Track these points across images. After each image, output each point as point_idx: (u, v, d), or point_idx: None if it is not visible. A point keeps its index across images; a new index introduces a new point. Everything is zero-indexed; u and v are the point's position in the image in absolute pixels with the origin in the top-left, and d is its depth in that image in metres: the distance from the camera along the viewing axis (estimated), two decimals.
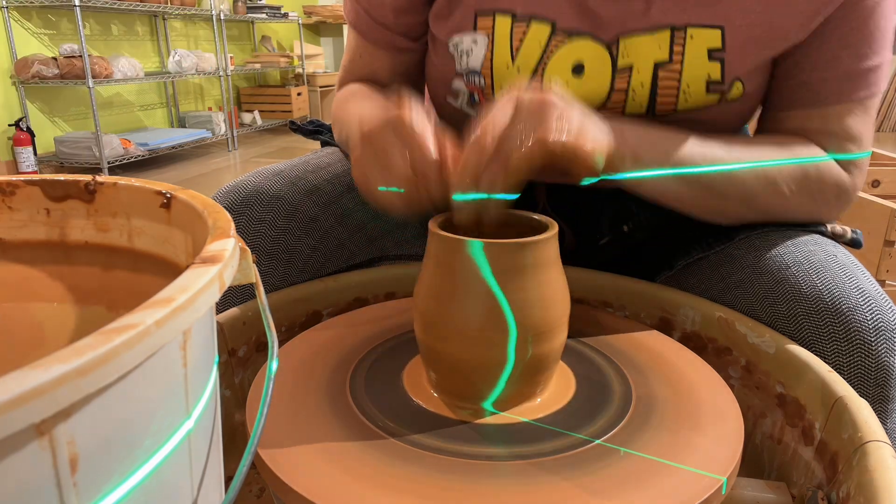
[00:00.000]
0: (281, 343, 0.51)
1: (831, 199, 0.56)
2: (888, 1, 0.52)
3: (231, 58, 4.54)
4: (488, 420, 0.40)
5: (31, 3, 3.15)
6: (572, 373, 0.45)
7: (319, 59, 5.69)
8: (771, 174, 0.53)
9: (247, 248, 0.29)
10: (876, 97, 0.55)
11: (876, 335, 0.46)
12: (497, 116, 0.42)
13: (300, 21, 5.29)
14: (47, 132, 3.42)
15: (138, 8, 3.63)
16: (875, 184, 1.48)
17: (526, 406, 0.41)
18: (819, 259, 0.51)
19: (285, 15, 5.07)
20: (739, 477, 0.40)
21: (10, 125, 3.18)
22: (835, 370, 0.44)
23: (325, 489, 0.34)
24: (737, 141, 0.55)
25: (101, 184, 0.35)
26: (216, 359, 0.28)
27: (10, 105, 3.24)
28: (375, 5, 0.64)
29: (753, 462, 0.50)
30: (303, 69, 5.31)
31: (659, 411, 0.41)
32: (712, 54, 0.54)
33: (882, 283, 1.26)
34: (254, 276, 0.30)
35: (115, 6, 3.45)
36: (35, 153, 3.21)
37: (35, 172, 3.07)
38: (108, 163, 3.31)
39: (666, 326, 0.57)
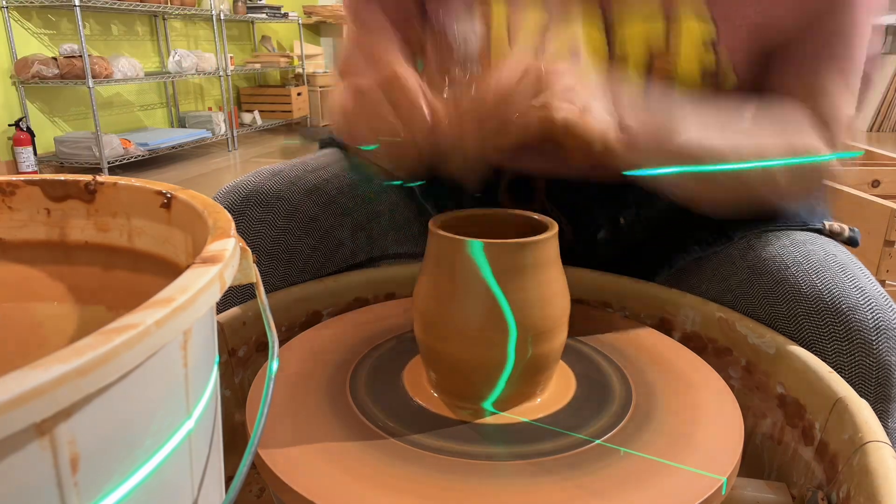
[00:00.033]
0: (281, 343, 0.51)
1: (816, 183, 0.57)
2: None
3: (231, 58, 4.54)
4: (488, 420, 0.40)
5: (31, 3, 3.15)
6: (572, 373, 0.45)
7: (319, 59, 5.69)
8: (771, 170, 0.53)
9: (247, 248, 0.29)
10: (857, 73, 0.55)
11: (876, 334, 0.46)
12: (504, 75, 0.41)
13: (300, 21, 5.29)
14: (47, 132, 3.42)
15: (138, 8, 3.63)
16: (875, 184, 1.48)
17: (526, 406, 0.41)
18: (818, 258, 0.50)
19: (285, 15, 5.07)
20: (739, 477, 0.40)
21: (10, 125, 3.18)
22: (835, 370, 0.44)
23: (325, 489, 0.34)
24: (733, 123, 0.54)
25: (102, 184, 0.35)
26: (217, 359, 0.28)
27: (10, 105, 3.24)
28: None
29: (753, 462, 0.50)
30: (303, 69, 5.31)
31: (659, 411, 0.41)
32: (707, 45, 0.54)
33: (882, 282, 1.26)
34: (254, 276, 0.30)
35: (115, 6, 3.45)
36: (35, 153, 3.21)
37: (35, 172, 3.06)
38: (108, 163, 3.31)
39: (666, 327, 0.57)
